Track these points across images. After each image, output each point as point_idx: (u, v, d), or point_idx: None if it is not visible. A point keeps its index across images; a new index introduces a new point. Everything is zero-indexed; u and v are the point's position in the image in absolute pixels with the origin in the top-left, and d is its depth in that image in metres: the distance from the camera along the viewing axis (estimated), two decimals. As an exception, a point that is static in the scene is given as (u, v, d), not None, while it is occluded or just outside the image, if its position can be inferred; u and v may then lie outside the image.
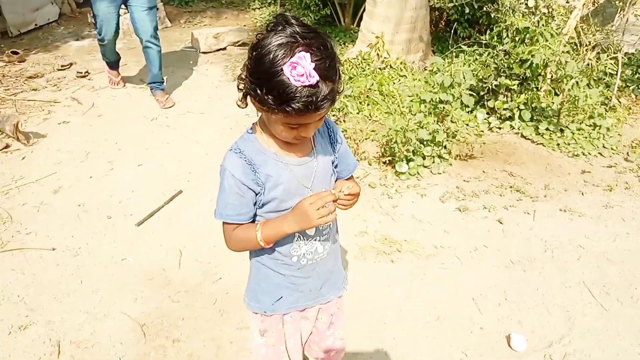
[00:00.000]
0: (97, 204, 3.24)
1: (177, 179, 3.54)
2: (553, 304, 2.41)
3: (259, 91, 1.13)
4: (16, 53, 5.98)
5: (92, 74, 5.51)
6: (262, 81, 1.11)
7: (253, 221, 1.37)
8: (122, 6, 4.38)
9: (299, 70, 1.05)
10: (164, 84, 4.83)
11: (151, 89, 4.78)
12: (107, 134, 4.19)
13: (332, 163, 1.42)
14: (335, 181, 1.46)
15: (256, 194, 1.31)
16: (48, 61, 6.01)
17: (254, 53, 1.12)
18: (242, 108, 1.28)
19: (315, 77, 1.07)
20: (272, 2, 8.11)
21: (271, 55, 1.07)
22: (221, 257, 2.76)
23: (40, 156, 3.83)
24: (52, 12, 7.43)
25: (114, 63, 5.02)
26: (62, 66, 5.74)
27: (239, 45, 6.48)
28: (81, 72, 5.47)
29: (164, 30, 7.19)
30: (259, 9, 8.21)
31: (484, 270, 2.64)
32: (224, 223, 1.36)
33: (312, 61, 1.06)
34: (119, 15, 4.41)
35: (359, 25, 5.78)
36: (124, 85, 5.07)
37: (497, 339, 2.23)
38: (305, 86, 1.07)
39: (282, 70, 1.07)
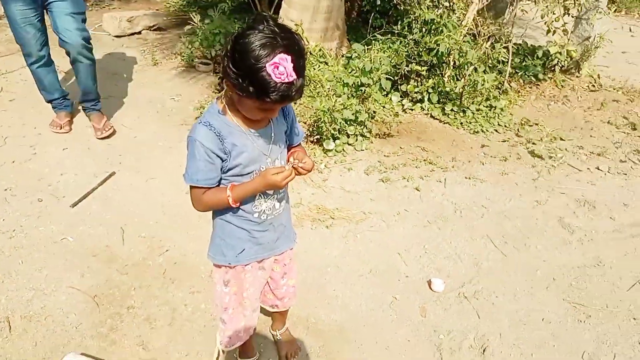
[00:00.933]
0: (25, 187, 3.17)
1: (107, 162, 3.53)
2: (463, 253, 2.84)
3: (240, 81, 1.29)
4: None
5: (-3, 56, 5.18)
6: (245, 74, 1.28)
7: (217, 185, 1.56)
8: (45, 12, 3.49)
9: (281, 70, 1.24)
10: (100, 103, 3.94)
11: (84, 109, 3.94)
12: (24, 118, 4.03)
13: (285, 133, 1.64)
14: (287, 147, 1.69)
15: (222, 161, 1.50)
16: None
17: (237, 48, 1.28)
18: (218, 91, 1.44)
19: (293, 76, 1.26)
20: (186, -13, 7.99)
21: (255, 53, 1.24)
22: (165, 232, 2.86)
23: (-49, 141, 3.61)
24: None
25: (58, 100, 3.87)
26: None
27: (154, 30, 6.37)
28: (-17, 55, 5.11)
29: (71, 13, 6.85)
30: (171, -6, 8.05)
31: (407, 230, 3.01)
32: (192, 187, 1.53)
33: (291, 61, 1.25)
34: (42, 20, 3.48)
35: (276, 13, 5.96)
36: (70, 130, 3.87)
37: (420, 283, 2.60)
38: (284, 82, 1.26)
39: (264, 67, 1.24)
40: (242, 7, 6.91)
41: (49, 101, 3.86)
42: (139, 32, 6.33)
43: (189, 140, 1.48)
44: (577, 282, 2.65)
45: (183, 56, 5.37)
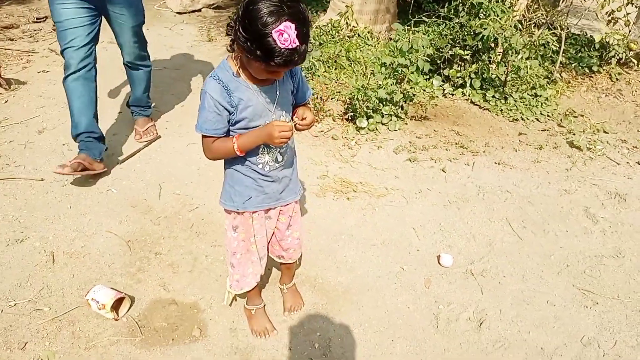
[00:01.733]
0: (80, 143, 3.50)
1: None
2: (479, 233, 2.87)
3: (249, 44, 1.42)
4: (-11, 3, 6.02)
5: (69, 27, 5.63)
6: (253, 38, 1.40)
7: (227, 136, 1.72)
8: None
9: (285, 36, 1.37)
10: (150, 109, 3.74)
11: (132, 113, 3.71)
12: (86, 83, 4.40)
13: (291, 92, 1.77)
14: (293, 105, 1.82)
15: (229, 113, 1.64)
16: (22, 13, 6.09)
17: (247, 14, 1.40)
18: (230, 52, 1.60)
19: (296, 43, 1.39)
20: (247, -32, 8.24)
21: (262, 20, 1.37)
22: (197, 191, 3.10)
23: (23, 100, 4.04)
24: (25, -36, 7.38)
25: (84, 137, 3.09)
26: (37, 19, 5.85)
27: (213, 8, 6.68)
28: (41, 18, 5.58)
29: (139, -10, 7.29)
30: (234, -26, 8.34)
31: (425, 208, 3.08)
32: (203, 136, 1.71)
33: (295, 29, 1.37)
34: (96, 27, 3.12)
35: (330, -6, 6.06)
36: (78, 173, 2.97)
37: (429, 258, 2.67)
38: (287, 48, 1.39)
39: (270, 34, 1.37)
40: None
41: (75, 137, 3.10)
42: (199, 10, 6.66)
43: (201, 92, 1.64)
44: (591, 271, 2.62)
45: (236, 33, 5.61)
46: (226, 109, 1.63)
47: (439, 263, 2.63)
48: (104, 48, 5.21)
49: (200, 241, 2.70)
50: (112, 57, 4.98)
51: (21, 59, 4.81)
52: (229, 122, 1.68)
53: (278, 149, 1.78)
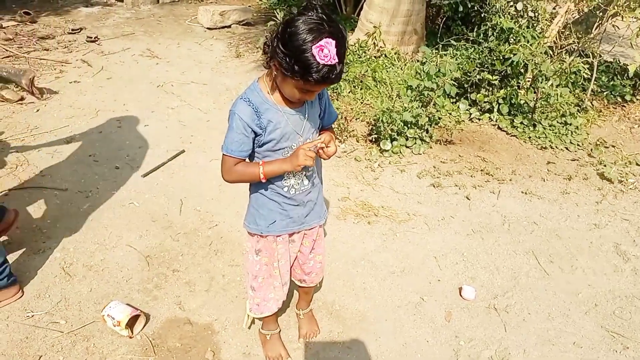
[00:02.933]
0: (106, 155, 3.55)
1: (179, 140, 3.86)
2: (503, 265, 2.78)
3: (287, 60, 1.41)
4: (28, 14, 6.23)
5: (102, 39, 5.78)
6: (292, 54, 1.40)
7: (249, 158, 1.71)
8: None
9: (325, 52, 1.37)
10: None
11: None
12: (116, 95, 4.49)
13: (319, 115, 1.76)
14: (320, 129, 1.80)
15: (257, 135, 1.63)
16: (58, 24, 6.26)
17: (288, 30, 1.40)
18: (266, 68, 1.59)
19: (335, 60, 1.39)
20: (278, -15, 8.36)
21: (303, 35, 1.37)
22: (218, 208, 3.09)
23: (53, 110, 4.13)
24: (64, -23, 7.64)
25: None
26: (72, 30, 6.01)
27: (243, 25, 6.76)
28: (91, 37, 5.75)
29: (171, 4, 7.46)
30: (264, -9, 8.46)
31: (448, 236, 3.00)
32: (225, 156, 1.66)
33: (335, 46, 1.38)
34: None
35: (359, 15, 6.09)
36: None
37: (451, 289, 2.60)
38: (326, 64, 1.38)
39: (311, 49, 1.37)
40: (329, 8, 7.13)
41: None
42: (229, 26, 6.75)
43: (230, 113, 1.62)
44: (621, 312, 2.51)
45: (264, 50, 5.66)
46: (254, 131, 1.62)
47: (461, 295, 2.55)
48: (135, 61, 5.32)
49: (218, 260, 2.68)
50: (141, 69, 5.08)
51: (55, 69, 4.93)
52: (255, 143, 1.66)
53: (304, 173, 1.76)
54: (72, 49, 5.48)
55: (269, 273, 1.95)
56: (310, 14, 1.40)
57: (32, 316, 2.26)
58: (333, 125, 1.90)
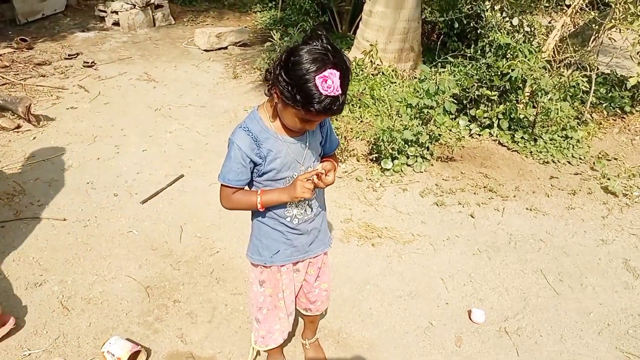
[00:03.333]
0: (104, 182, 3.51)
1: (178, 165, 3.81)
2: (512, 286, 2.72)
3: (289, 88, 1.38)
4: (24, 40, 6.23)
5: (99, 64, 5.78)
6: (294, 83, 1.36)
7: (249, 186, 1.66)
8: None
9: (329, 83, 1.34)
10: None
11: None
12: (113, 120, 4.46)
13: (320, 143, 1.72)
14: (321, 156, 1.76)
15: (256, 165, 1.59)
16: (55, 50, 6.26)
17: (292, 58, 1.37)
18: (267, 96, 1.55)
19: (339, 91, 1.35)
20: (273, 6, 8.43)
21: (307, 65, 1.34)
22: (219, 234, 3.04)
23: (50, 137, 4.09)
24: (59, 3, 7.69)
25: None
26: (69, 55, 6.00)
27: (240, 46, 6.77)
28: (88, 62, 5.74)
29: (167, 28, 7.48)
30: (260, 12, 8.52)
31: (454, 256, 2.95)
32: (222, 185, 1.62)
33: (339, 77, 1.35)
34: None
35: (355, 33, 6.10)
36: None
37: (459, 312, 2.53)
38: (329, 95, 1.35)
39: (314, 79, 1.33)
40: (324, 27, 7.15)
41: None
42: (226, 47, 6.76)
43: (229, 142, 1.59)
44: (634, 331, 2.44)
45: (261, 71, 5.66)
46: (252, 161, 1.58)
47: (470, 319, 2.49)
48: (132, 85, 5.30)
49: (220, 288, 2.62)
50: (138, 93, 5.06)
51: (51, 95, 4.91)
52: (252, 173, 1.62)
53: (307, 202, 1.71)
54: (69, 74, 5.47)
55: (274, 304, 1.89)
56: (315, 43, 1.37)
57: (29, 354, 2.18)
58: (336, 152, 1.85)
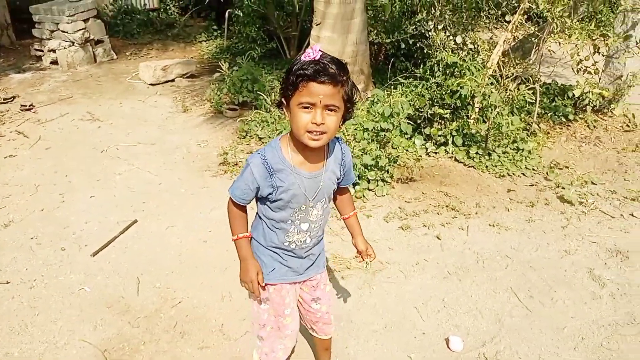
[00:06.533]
0: (50, 236, 3.26)
1: (131, 209, 3.61)
2: (485, 308, 2.70)
3: (284, 84, 1.53)
4: (-47, 86, 5.84)
5: (38, 106, 5.48)
6: (287, 73, 1.53)
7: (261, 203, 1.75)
8: None
9: (308, 52, 1.48)
10: None
11: None
12: (56, 166, 4.20)
13: (337, 179, 1.77)
14: (334, 191, 1.81)
15: (269, 193, 1.66)
16: (-12, 94, 5.89)
17: (289, 66, 1.54)
18: (282, 114, 1.65)
19: (319, 54, 1.47)
20: (219, 35, 8.34)
21: (298, 59, 1.51)
22: (180, 282, 2.87)
23: (-13, 190, 3.79)
24: (-9, 44, 7.31)
25: None
26: (4, 99, 5.68)
27: (187, 77, 6.62)
28: (25, 105, 5.44)
29: (110, 63, 7.24)
30: (205, 41, 8.41)
31: (425, 282, 2.90)
32: (230, 197, 1.74)
33: (320, 51, 1.48)
34: None
35: (303, 58, 6.09)
36: None
37: (437, 341, 2.47)
38: (311, 60, 1.46)
39: (299, 59, 1.50)
40: (271, 53, 7.12)
41: None
42: (173, 80, 6.59)
43: (246, 161, 1.68)
44: (608, 342, 2.46)
45: (212, 103, 5.53)
46: (259, 187, 1.66)
47: (449, 347, 2.43)
48: (75, 126, 5.05)
49: (185, 343, 2.45)
50: (82, 135, 4.82)
51: (-14, 143, 4.59)
52: (263, 196, 1.69)
53: (308, 233, 1.76)
54: (5, 120, 5.14)
55: (277, 325, 1.89)
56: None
57: None
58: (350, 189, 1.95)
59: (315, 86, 1.47)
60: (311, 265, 1.86)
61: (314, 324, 2.04)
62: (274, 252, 1.78)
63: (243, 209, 1.76)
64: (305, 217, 1.71)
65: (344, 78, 1.51)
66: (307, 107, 1.50)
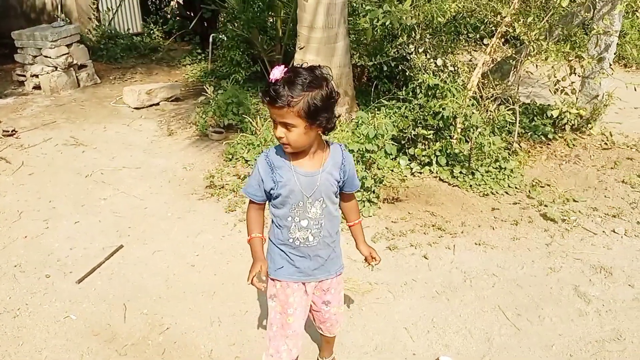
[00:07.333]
0: (34, 263, 3.21)
1: (116, 234, 3.58)
2: (474, 327, 2.72)
3: None
4: None
5: (20, 132, 5.43)
6: None
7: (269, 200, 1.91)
8: None
9: (272, 72, 1.65)
10: None
11: None
12: (40, 192, 4.15)
13: (337, 182, 1.88)
14: (337, 194, 1.93)
15: (271, 188, 1.83)
16: (-32, 119, 5.83)
17: None
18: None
19: (275, 77, 1.64)
20: (203, 58, 8.39)
21: None
22: (167, 308, 2.83)
23: (-32, 218, 3.72)
24: (-28, 69, 7.24)
25: None
26: (-16, 125, 5.60)
27: (172, 101, 6.63)
28: (7, 131, 5.38)
29: (93, 87, 7.22)
30: (189, 64, 8.44)
31: (414, 302, 2.91)
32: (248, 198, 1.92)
33: (283, 71, 1.63)
34: None
35: (288, 81, 6.16)
36: None
37: (428, 362, 2.48)
38: (271, 82, 1.64)
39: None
40: (256, 76, 7.18)
41: None
42: (157, 104, 6.58)
43: (256, 160, 1.91)
44: (596, 359, 2.49)
45: (197, 126, 5.54)
46: (265, 183, 1.83)
47: (439, 368, 2.44)
48: (59, 151, 5.01)
49: (174, 370, 2.41)
50: (66, 160, 4.78)
51: (-33, 170, 4.52)
52: (266, 193, 1.86)
53: (309, 230, 1.87)
54: (-14, 145, 5.08)
55: (282, 323, 1.98)
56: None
57: None
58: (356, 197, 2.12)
59: (269, 107, 1.69)
60: (318, 268, 1.96)
61: (322, 323, 2.18)
62: (282, 250, 1.92)
63: (260, 212, 1.93)
64: (303, 213, 1.84)
65: (295, 99, 1.62)
66: (274, 121, 1.72)
